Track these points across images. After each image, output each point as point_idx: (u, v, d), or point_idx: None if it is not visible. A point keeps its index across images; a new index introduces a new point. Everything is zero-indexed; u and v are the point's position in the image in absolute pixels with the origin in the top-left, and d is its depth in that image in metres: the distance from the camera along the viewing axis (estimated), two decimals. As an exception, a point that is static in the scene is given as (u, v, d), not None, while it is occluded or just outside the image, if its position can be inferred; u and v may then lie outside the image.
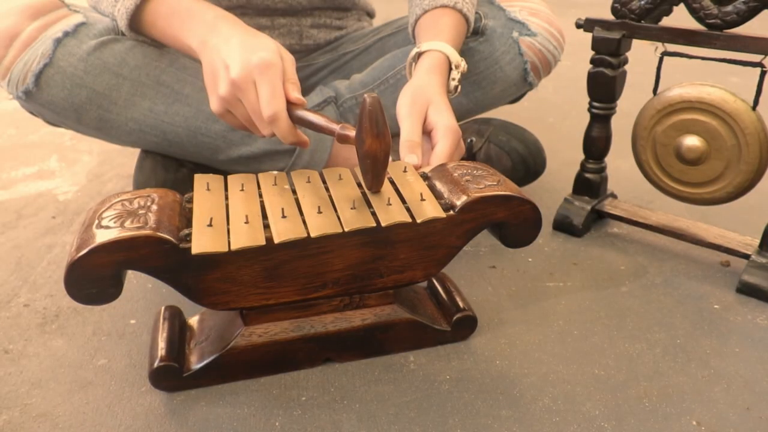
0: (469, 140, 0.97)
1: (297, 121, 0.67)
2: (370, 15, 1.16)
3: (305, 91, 1.05)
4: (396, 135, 0.72)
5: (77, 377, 0.65)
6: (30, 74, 0.80)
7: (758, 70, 0.75)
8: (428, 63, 0.79)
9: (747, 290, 0.78)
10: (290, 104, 0.67)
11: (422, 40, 0.83)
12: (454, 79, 0.81)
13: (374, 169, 0.59)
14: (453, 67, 0.81)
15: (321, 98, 0.97)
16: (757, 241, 0.80)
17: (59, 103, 0.82)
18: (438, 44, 0.80)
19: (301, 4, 1.00)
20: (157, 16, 0.77)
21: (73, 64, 0.81)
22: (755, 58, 0.74)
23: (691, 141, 0.81)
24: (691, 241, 0.86)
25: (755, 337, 0.71)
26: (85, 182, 1.12)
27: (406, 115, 0.73)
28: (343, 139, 0.62)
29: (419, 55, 0.81)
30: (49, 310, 0.75)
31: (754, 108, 0.77)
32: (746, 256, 0.80)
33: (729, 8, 0.74)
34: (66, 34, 0.81)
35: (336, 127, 0.63)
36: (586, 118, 0.91)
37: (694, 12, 0.76)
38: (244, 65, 0.66)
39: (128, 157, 1.20)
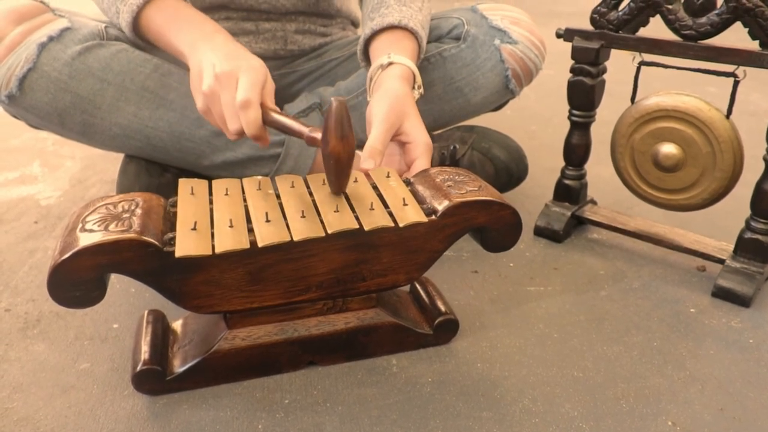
0: (452, 147, 0.98)
1: (269, 124, 0.69)
2: (355, 24, 1.17)
3: (290, 98, 1.06)
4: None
5: (59, 381, 0.64)
6: (14, 78, 0.80)
7: (733, 79, 0.77)
8: (400, 72, 0.79)
9: (722, 294, 0.80)
10: (265, 108, 0.69)
11: (389, 53, 0.81)
12: (414, 98, 0.81)
13: (337, 170, 0.60)
14: (416, 86, 0.81)
15: (306, 104, 0.98)
16: (731, 247, 0.82)
17: (43, 108, 0.82)
18: (407, 60, 0.81)
19: (285, 6, 1.01)
20: (153, 20, 0.79)
21: (57, 68, 0.81)
22: (729, 68, 0.76)
23: (668, 148, 0.83)
24: (668, 247, 0.87)
25: (729, 340, 0.73)
26: (68, 187, 1.12)
27: (380, 121, 0.72)
28: (311, 141, 0.64)
29: (390, 64, 0.80)
30: (31, 315, 0.75)
31: (727, 116, 0.79)
32: (721, 261, 0.81)
33: (703, 20, 0.76)
34: (50, 38, 0.81)
35: (305, 129, 0.64)
36: (567, 126, 0.93)
37: (669, 23, 0.78)
38: (232, 64, 0.68)
39: (112, 163, 1.20)
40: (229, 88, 0.68)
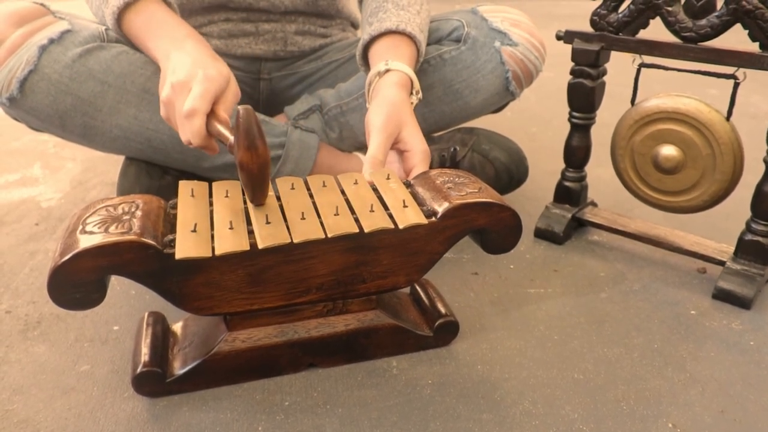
0: (452, 149, 0.98)
1: (212, 134, 0.68)
2: (355, 26, 1.18)
3: (291, 100, 1.06)
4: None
5: (59, 383, 0.64)
6: (15, 81, 0.80)
7: (733, 81, 0.77)
8: (397, 79, 0.79)
9: (722, 296, 0.80)
10: (212, 117, 0.68)
11: (386, 59, 0.82)
12: (412, 104, 0.81)
13: (248, 180, 0.58)
14: (414, 92, 0.82)
15: (306, 106, 0.98)
16: (732, 249, 0.82)
17: (44, 110, 0.82)
18: (405, 67, 0.81)
19: (284, 5, 1.01)
20: (133, 25, 0.79)
21: (58, 71, 0.81)
22: (729, 70, 0.76)
23: (668, 150, 0.83)
24: (668, 249, 0.87)
25: (730, 342, 0.73)
26: (69, 189, 1.12)
27: (378, 130, 0.73)
28: (231, 150, 0.62)
29: (387, 71, 0.80)
30: (31, 317, 0.75)
31: (728, 118, 0.79)
32: (722, 263, 0.81)
33: (703, 22, 0.76)
34: (51, 41, 0.81)
35: (230, 139, 0.63)
36: (567, 128, 0.93)
37: (669, 25, 0.79)
38: (188, 73, 0.68)
39: (112, 165, 1.20)
40: (181, 97, 0.68)
